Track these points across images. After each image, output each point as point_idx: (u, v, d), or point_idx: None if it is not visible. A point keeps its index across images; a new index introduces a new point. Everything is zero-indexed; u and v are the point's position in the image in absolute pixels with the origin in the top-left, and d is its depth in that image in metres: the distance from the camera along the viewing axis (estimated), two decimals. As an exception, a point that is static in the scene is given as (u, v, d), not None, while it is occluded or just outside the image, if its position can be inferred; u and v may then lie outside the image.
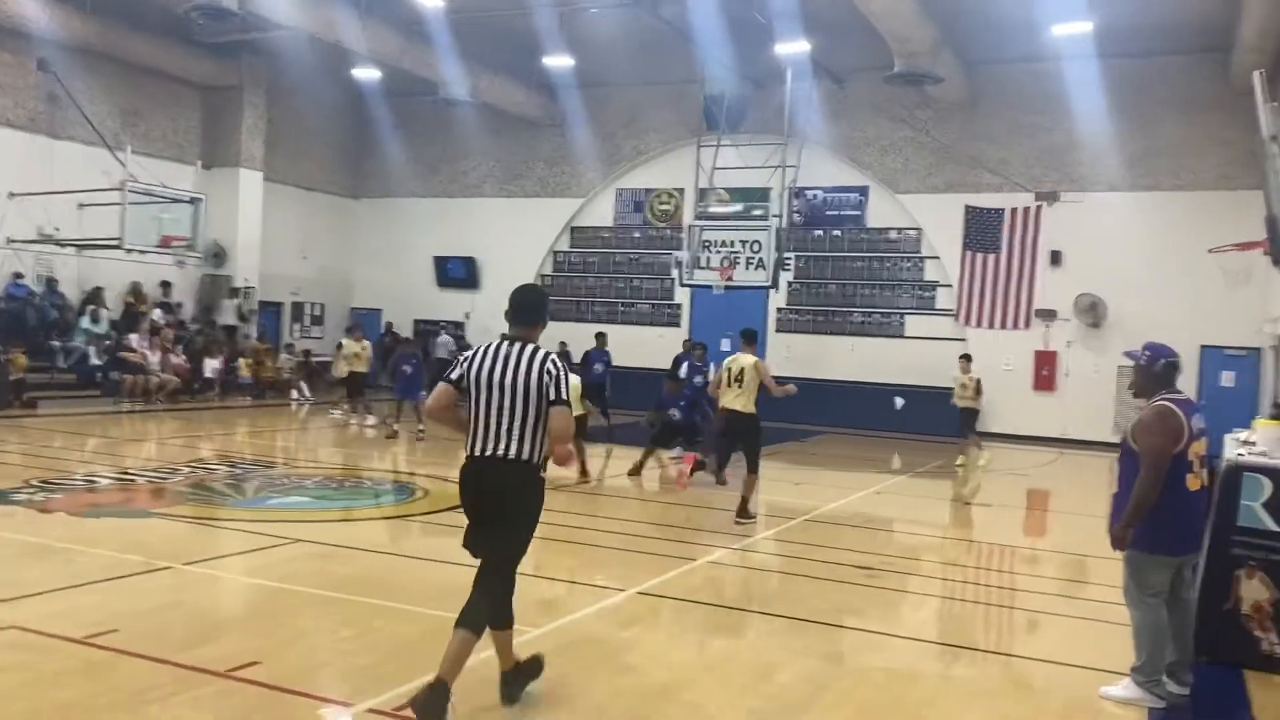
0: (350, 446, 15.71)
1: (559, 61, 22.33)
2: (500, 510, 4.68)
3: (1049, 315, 20.85)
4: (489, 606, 4.68)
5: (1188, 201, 19.73)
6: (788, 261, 22.94)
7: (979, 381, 16.38)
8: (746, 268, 23.03)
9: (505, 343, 4.82)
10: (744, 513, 9.72)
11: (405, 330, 26.81)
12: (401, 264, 26.82)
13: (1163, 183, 20.07)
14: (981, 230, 21.49)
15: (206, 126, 23.74)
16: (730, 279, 21.12)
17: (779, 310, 23.51)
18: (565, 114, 24.82)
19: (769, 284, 21.11)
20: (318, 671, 5.28)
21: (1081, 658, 6.14)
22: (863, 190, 22.85)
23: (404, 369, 16.48)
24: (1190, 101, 19.71)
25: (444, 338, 24.94)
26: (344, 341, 18.77)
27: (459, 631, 4.57)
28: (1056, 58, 19.46)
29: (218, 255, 23.28)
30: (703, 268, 22.30)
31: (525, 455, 4.67)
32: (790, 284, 23.27)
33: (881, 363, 22.11)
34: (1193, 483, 5.35)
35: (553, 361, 4.71)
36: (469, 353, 4.90)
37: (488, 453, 4.68)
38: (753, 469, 9.83)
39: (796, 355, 23.15)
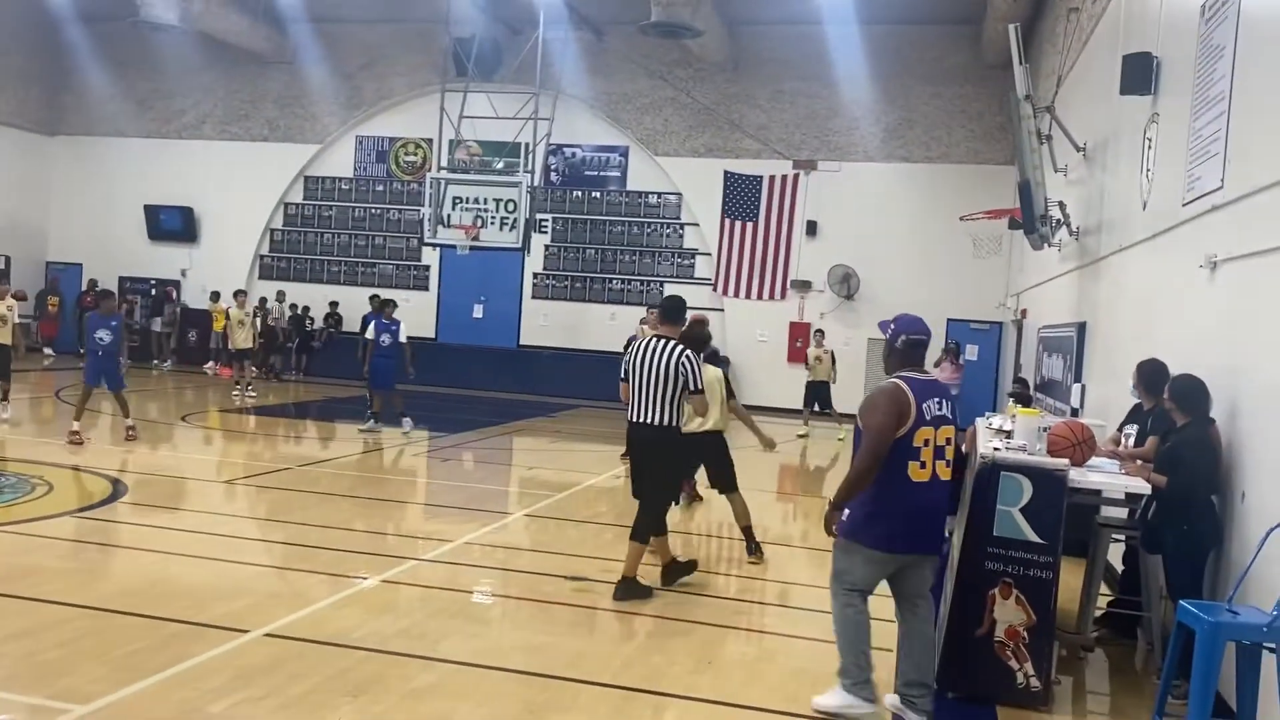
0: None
1: (285, -12, 19.82)
2: (646, 459, 6.58)
3: (804, 286, 20.47)
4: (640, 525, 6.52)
5: (939, 174, 19.72)
6: (543, 223, 21.54)
7: (832, 354, 17.14)
8: (500, 228, 21.42)
9: (654, 339, 6.48)
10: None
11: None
12: (106, 212, 23.43)
13: (915, 154, 19.98)
14: (740, 198, 20.82)
15: None
16: (477, 238, 19.43)
17: (535, 275, 22.07)
18: (297, 50, 22.22)
19: (519, 246, 19.58)
20: None
21: (806, 696, 4.98)
22: (623, 151, 21.67)
23: (99, 336, 11.41)
24: (944, 74, 19.67)
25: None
26: None
27: (631, 544, 6.55)
28: (817, 21, 18.88)
29: None
30: (449, 226, 20.48)
31: (664, 421, 6.42)
32: (547, 247, 21.86)
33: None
34: (917, 473, 4.53)
35: (687, 356, 6.40)
36: (630, 349, 6.67)
37: (640, 419, 6.48)
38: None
39: (554, 323, 21.84)
